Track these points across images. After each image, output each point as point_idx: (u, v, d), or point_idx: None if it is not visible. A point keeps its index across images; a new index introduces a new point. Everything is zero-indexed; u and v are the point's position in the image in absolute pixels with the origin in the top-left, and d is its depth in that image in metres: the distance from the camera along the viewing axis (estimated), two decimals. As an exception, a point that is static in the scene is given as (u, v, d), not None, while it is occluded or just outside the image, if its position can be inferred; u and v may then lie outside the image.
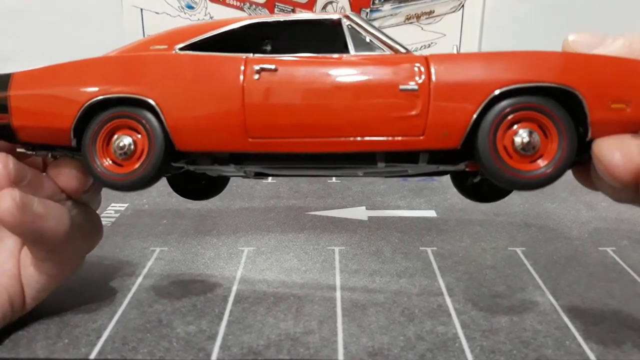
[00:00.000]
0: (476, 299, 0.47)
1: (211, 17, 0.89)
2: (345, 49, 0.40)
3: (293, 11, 0.88)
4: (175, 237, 0.60)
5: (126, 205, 0.70)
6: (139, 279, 0.51)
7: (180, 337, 0.42)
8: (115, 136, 0.40)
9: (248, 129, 0.38)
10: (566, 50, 0.38)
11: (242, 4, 0.88)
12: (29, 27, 0.93)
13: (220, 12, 0.88)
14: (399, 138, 0.37)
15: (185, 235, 0.61)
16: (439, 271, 0.52)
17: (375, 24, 0.89)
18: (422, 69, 0.37)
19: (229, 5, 0.88)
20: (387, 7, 0.88)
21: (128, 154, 0.39)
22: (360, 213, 0.68)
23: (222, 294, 0.48)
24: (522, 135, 0.36)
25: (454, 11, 0.87)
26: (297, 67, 0.38)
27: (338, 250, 0.57)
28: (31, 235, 0.40)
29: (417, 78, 0.37)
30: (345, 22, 0.40)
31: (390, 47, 0.39)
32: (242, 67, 0.38)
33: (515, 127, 0.37)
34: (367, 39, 0.40)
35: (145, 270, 0.52)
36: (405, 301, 0.47)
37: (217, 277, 0.51)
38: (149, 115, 0.39)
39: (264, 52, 0.44)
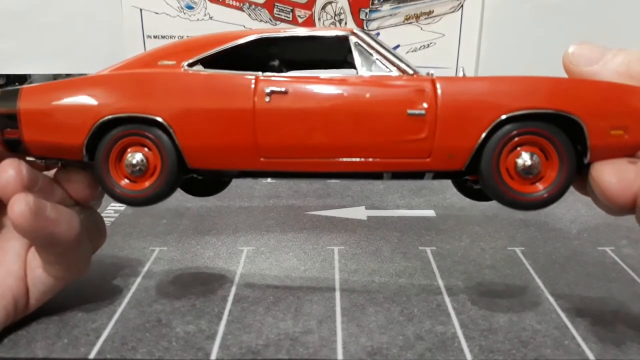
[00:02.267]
0: (475, 298, 0.47)
1: (210, 18, 0.89)
2: (350, 65, 0.40)
3: (292, 12, 0.88)
4: (174, 237, 0.60)
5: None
6: (139, 279, 0.51)
7: (180, 336, 0.42)
8: (128, 153, 0.40)
9: (260, 150, 0.39)
10: (566, 62, 0.38)
11: (241, 4, 0.88)
12: (29, 27, 0.93)
13: (220, 12, 0.88)
14: (406, 160, 0.38)
15: (185, 235, 0.61)
16: (438, 271, 0.52)
17: (375, 24, 0.89)
18: (430, 92, 0.37)
19: (228, 5, 0.88)
20: (386, 7, 0.88)
21: (142, 171, 0.40)
22: (359, 213, 0.68)
23: (222, 293, 0.48)
24: (524, 158, 0.37)
25: (453, 11, 0.87)
26: (306, 88, 0.38)
27: (337, 249, 0.57)
28: (43, 240, 0.40)
29: (424, 103, 0.37)
30: (353, 39, 0.41)
31: (397, 66, 0.40)
32: (253, 87, 0.39)
33: (517, 149, 0.37)
34: (374, 57, 0.40)
35: (144, 270, 0.53)
36: (404, 301, 0.47)
37: (216, 276, 0.51)
38: (161, 134, 0.39)
39: (272, 67, 0.44)
